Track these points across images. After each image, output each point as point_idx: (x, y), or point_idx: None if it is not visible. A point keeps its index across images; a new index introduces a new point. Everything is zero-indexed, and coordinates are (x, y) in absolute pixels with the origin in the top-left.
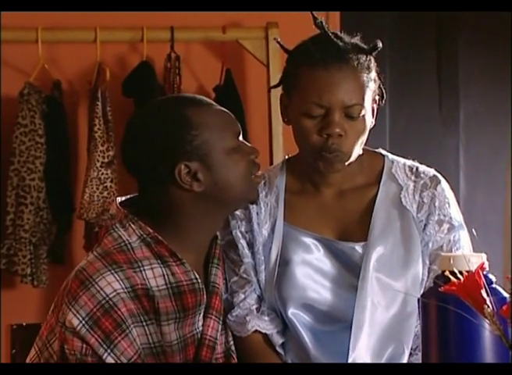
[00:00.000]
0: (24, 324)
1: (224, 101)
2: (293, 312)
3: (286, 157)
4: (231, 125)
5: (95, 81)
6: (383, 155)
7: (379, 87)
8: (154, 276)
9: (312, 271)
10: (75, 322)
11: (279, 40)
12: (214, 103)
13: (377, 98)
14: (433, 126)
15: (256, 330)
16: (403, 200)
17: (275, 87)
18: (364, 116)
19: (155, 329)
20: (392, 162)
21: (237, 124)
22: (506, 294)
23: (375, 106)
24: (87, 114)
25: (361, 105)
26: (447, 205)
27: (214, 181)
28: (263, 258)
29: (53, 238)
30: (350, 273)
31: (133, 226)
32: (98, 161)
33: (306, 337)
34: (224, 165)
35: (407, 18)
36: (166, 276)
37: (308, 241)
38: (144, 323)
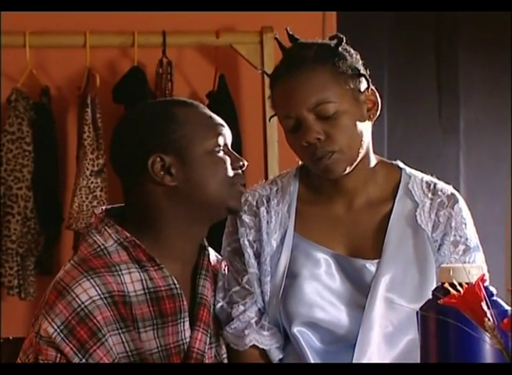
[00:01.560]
0: (11, 338)
1: (217, 107)
2: (299, 330)
3: (300, 163)
4: (217, 127)
5: (85, 87)
6: (400, 168)
7: (362, 76)
8: (132, 281)
9: (321, 287)
10: (50, 330)
11: (277, 36)
12: (206, 107)
13: (361, 87)
14: (433, 134)
15: (253, 345)
16: (418, 218)
17: (273, 116)
18: (341, 111)
19: (132, 336)
20: (410, 176)
21: (226, 130)
22: (507, 307)
23: (368, 95)
24: (76, 121)
25: (332, 102)
26: (464, 226)
27: (187, 178)
28: (269, 269)
29: (41, 249)
30: (359, 292)
31: (108, 230)
32: (88, 169)
33: (310, 356)
34: (201, 163)
35: (406, 23)
36: (144, 281)
37: (319, 255)
38: (120, 331)
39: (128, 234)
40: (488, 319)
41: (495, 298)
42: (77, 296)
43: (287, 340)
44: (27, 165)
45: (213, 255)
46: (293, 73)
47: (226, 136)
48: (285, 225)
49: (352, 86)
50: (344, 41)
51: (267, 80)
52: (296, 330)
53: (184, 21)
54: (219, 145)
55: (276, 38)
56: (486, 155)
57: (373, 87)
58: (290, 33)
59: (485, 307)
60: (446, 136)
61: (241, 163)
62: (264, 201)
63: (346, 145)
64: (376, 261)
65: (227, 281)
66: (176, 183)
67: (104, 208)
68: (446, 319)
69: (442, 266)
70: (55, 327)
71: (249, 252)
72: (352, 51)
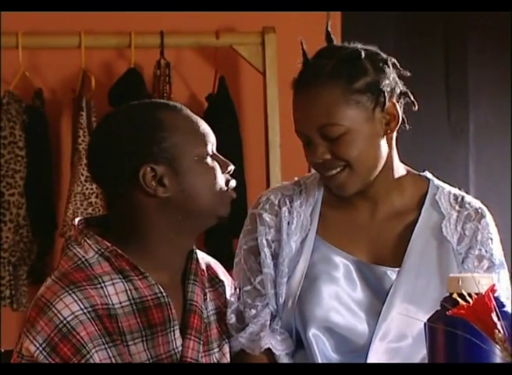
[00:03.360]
0: (2, 351)
1: (217, 110)
2: (314, 334)
3: None
4: (204, 133)
5: (79, 90)
6: (428, 179)
7: (380, 91)
8: (116, 292)
9: (339, 291)
10: (32, 349)
11: (303, 43)
12: (189, 110)
13: (378, 103)
14: (441, 137)
15: (266, 350)
16: (443, 230)
17: None
18: (349, 132)
19: (120, 351)
20: (438, 187)
21: (212, 135)
22: None
23: (387, 109)
24: (70, 125)
25: (338, 125)
26: (490, 241)
27: (181, 188)
28: (287, 270)
29: (34, 258)
30: (378, 300)
31: (88, 241)
32: (83, 175)
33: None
34: (193, 172)
35: (413, 22)
36: (129, 292)
37: (339, 260)
38: (107, 345)
39: (109, 244)
40: (499, 331)
41: (505, 308)
42: (59, 312)
43: (298, 347)
44: (20, 170)
45: (209, 259)
46: (306, 87)
47: (213, 141)
48: (306, 227)
49: (366, 104)
50: (363, 55)
51: (269, 83)
52: (312, 333)
53: (183, 21)
54: (208, 152)
55: (302, 44)
56: (497, 159)
57: (394, 100)
58: (329, 30)
59: (495, 318)
60: (455, 140)
61: (229, 168)
62: (287, 202)
63: (355, 162)
64: (398, 269)
65: (242, 281)
66: (169, 195)
67: (82, 218)
68: (454, 330)
69: (450, 275)
70: (37, 345)
71: (266, 252)
72: (378, 58)
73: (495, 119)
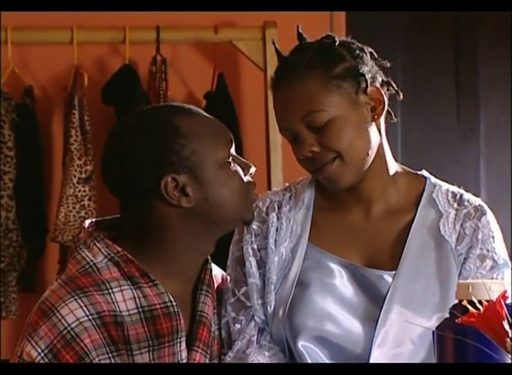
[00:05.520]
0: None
1: (216, 109)
2: (304, 345)
3: None
4: (223, 136)
5: (72, 87)
6: (425, 178)
7: (361, 75)
8: (124, 299)
9: (332, 298)
10: (33, 354)
11: (275, 43)
12: (204, 112)
13: (360, 87)
14: (450, 138)
15: None
16: (441, 228)
17: None
18: (335, 118)
19: (123, 360)
20: (435, 185)
21: (230, 135)
22: None
23: (371, 94)
24: (62, 124)
25: (322, 111)
26: (491, 240)
27: (205, 197)
28: (275, 278)
29: (24, 263)
30: (374, 305)
31: (98, 244)
32: (75, 176)
33: None
34: (216, 179)
35: (421, 19)
36: (137, 299)
37: (332, 265)
38: (111, 355)
39: (119, 249)
40: (511, 340)
41: None
42: (63, 317)
43: (292, 359)
44: (9, 172)
45: (217, 271)
46: (284, 82)
47: (232, 142)
48: (296, 232)
49: (348, 89)
50: (338, 41)
51: (269, 80)
52: (301, 345)
53: (180, 16)
54: (229, 155)
55: (274, 44)
56: (508, 160)
57: (377, 85)
58: (300, 31)
59: (506, 326)
60: (465, 140)
61: (251, 170)
62: (276, 207)
63: (346, 151)
64: (394, 272)
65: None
66: (193, 204)
67: (93, 220)
68: (464, 339)
69: (459, 281)
70: (39, 351)
71: (251, 261)
72: (353, 46)
73: (506, 119)
